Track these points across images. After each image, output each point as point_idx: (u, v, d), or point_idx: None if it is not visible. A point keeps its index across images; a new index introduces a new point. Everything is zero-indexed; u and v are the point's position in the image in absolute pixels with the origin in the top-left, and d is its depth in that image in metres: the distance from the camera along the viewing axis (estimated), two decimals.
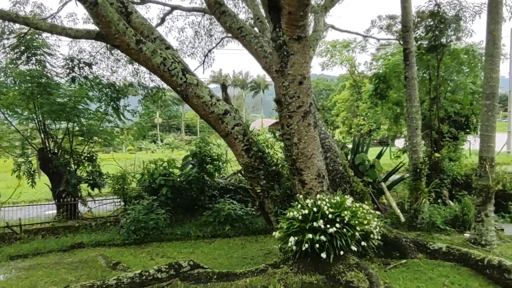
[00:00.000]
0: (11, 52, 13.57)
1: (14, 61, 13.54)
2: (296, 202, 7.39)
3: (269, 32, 10.09)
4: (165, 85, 14.89)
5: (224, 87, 10.36)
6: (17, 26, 13.42)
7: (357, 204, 7.41)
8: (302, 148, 7.61)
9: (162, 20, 16.24)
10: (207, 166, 13.53)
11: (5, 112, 13.48)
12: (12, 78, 13.34)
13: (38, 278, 8.37)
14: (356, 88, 46.87)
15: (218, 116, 8.34)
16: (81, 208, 13.77)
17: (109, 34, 7.59)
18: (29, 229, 12.04)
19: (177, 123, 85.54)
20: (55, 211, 13.74)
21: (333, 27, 16.04)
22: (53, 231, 12.05)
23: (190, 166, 13.88)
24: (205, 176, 13.47)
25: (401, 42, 11.80)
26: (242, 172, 13.83)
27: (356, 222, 6.94)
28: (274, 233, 7.39)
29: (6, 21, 12.67)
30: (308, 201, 7.22)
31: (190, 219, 12.70)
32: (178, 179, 13.24)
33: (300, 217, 6.92)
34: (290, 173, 8.01)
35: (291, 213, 7.07)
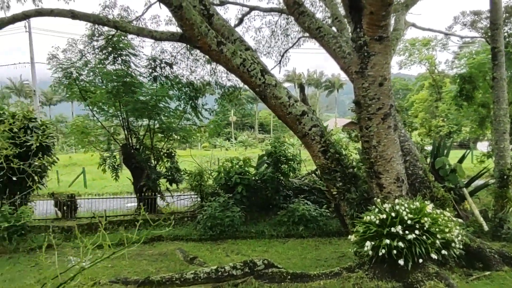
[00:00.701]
0: (99, 53, 14.40)
1: (102, 61, 14.36)
2: (373, 206, 7.25)
3: (347, 31, 9.97)
4: (241, 84, 15.13)
5: (301, 88, 10.36)
6: (105, 28, 14.20)
7: (438, 211, 7.13)
8: (381, 151, 7.44)
9: (241, 20, 16.46)
10: (282, 166, 13.61)
11: (93, 109, 14.33)
12: (100, 77, 14.15)
13: (121, 267, 8.86)
14: (436, 88, 45.05)
15: (295, 117, 8.34)
16: (159, 202, 14.35)
17: (192, 36, 7.83)
18: (113, 220, 12.76)
19: (251, 121, 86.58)
20: (135, 204, 14.43)
21: (414, 25, 15.44)
22: (134, 224, 12.64)
23: (265, 165, 14.05)
24: (280, 175, 13.57)
25: (488, 40, 11.20)
26: (317, 172, 13.80)
27: (437, 229, 6.68)
28: (349, 236, 7.31)
29: (97, 24, 13.44)
30: (386, 205, 7.06)
31: (265, 218, 12.89)
32: (253, 178, 13.44)
33: (377, 222, 6.79)
34: (368, 176, 7.85)
35: (368, 217, 6.95)
